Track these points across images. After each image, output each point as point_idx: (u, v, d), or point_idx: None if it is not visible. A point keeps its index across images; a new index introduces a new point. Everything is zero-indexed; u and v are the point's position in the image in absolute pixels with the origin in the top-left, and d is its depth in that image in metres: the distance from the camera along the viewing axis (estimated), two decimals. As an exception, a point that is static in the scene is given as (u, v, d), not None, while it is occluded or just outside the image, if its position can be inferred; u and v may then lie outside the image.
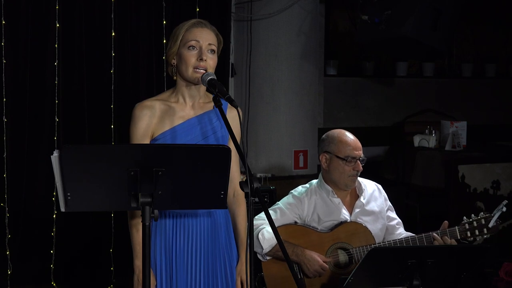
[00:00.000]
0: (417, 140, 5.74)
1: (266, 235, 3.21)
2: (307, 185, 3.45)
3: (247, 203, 2.33)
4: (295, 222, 3.34)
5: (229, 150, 2.22)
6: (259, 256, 3.27)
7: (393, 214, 3.46)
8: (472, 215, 3.13)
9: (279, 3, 5.46)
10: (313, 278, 3.22)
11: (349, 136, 3.33)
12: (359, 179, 3.41)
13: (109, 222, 4.95)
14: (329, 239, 3.27)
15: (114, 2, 4.90)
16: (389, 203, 3.46)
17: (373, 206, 3.39)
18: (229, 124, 2.46)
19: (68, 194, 2.16)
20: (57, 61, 4.78)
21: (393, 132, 6.77)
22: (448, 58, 7.37)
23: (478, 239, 3.10)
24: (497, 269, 4.42)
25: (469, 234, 3.11)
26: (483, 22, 7.42)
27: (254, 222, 3.28)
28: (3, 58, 4.64)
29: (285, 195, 3.46)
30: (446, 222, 3.10)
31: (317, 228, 3.31)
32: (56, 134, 4.83)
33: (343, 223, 3.31)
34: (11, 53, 4.68)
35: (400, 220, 3.47)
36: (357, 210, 3.35)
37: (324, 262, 3.20)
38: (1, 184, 4.70)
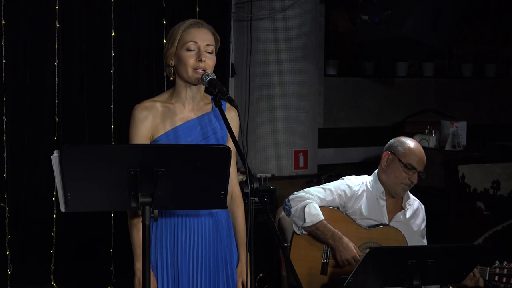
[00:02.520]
0: (417, 140, 5.73)
1: (313, 211, 3.23)
2: (361, 178, 3.45)
3: (247, 203, 2.33)
4: (337, 208, 3.36)
5: (229, 150, 2.22)
6: (295, 228, 3.29)
7: (424, 240, 3.47)
8: (505, 262, 3.17)
9: (279, 3, 5.45)
10: (341, 267, 3.24)
11: (419, 147, 3.37)
12: (409, 193, 3.44)
13: (109, 222, 4.95)
14: (365, 236, 3.30)
15: (114, 2, 4.90)
16: (424, 225, 3.47)
17: (413, 223, 3.41)
18: (229, 124, 2.46)
19: (68, 194, 2.16)
20: (57, 61, 4.78)
21: (393, 132, 6.75)
22: (448, 58, 7.36)
23: (501, 286, 3.13)
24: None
25: (496, 278, 3.16)
26: (483, 22, 7.41)
27: (300, 194, 3.33)
28: (3, 58, 4.64)
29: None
30: None
31: (356, 221, 3.34)
32: (56, 134, 4.83)
33: (384, 225, 3.33)
34: (11, 53, 4.67)
35: None
36: (396, 221, 3.37)
37: (357, 255, 3.22)
38: (1, 184, 4.70)
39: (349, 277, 2.64)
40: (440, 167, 5.36)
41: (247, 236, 2.27)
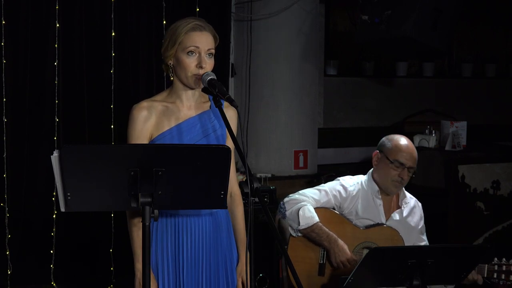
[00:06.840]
0: (417, 140, 5.73)
1: (307, 213, 3.23)
2: (356, 178, 3.45)
3: (247, 203, 2.33)
4: (333, 209, 3.36)
5: (229, 150, 2.22)
6: (290, 230, 3.29)
7: (423, 236, 3.46)
8: (504, 259, 3.16)
9: (279, 3, 5.45)
10: (336, 268, 3.24)
11: (407, 143, 3.35)
12: (406, 192, 3.44)
13: (109, 222, 4.95)
14: (361, 236, 3.29)
15: (114, 2, 4.90)
16: (423, 223, 3.47)
17: (410, 221, 3.40)
18: (229, 124, 2.47)
19: (68, 194, 2.16)
20: (57, 61, 4.78)
21: (393, 132, 6.74)
22: (448, 58, 7.36)
23: (501, 283, 3.13)
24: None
25: (495, 276, 3.15)
26: (483, 22, 7.42)
27: (295, 196, 3.33)
28: (3, 58, 4.64)
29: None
30: None
31: (353, 222, 3.33)
32: (56, 134, 4.83)
33: (380, 225, 3.32)
34: (11, 53, 4.67)
35: (428, 244, 3.47)
36: (394, 219, 3.36)
37: (352, 257, 3.22)
38: (1, 184, 4.70)
39: (349, 277, 2.64)
40: (440, 167, 5.36)
41: (247, 236, 2.27)
